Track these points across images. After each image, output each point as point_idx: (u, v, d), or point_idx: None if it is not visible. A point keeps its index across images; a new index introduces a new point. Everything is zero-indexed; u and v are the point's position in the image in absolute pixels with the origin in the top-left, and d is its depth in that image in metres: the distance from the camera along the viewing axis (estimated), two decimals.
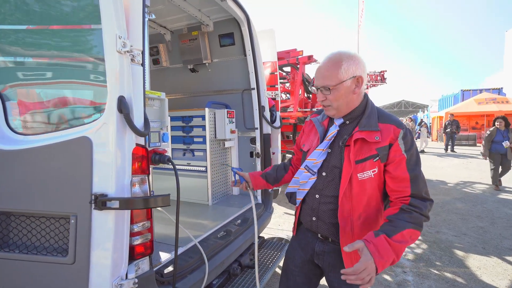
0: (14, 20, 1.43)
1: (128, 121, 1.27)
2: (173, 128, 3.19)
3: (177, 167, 3.21)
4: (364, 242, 1.06)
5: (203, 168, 3.04)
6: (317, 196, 1.33)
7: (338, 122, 1.31)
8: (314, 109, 5.38)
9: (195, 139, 3.09)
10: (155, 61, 3.62)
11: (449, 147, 13.63)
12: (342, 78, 1.19)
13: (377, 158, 1.18)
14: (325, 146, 1.30)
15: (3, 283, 1.33)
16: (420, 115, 30.51)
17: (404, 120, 14.65)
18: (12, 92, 1.43)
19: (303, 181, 1.36)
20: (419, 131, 14.50)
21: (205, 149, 3.01)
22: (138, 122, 1.36)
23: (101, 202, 1.22)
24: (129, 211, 1.32)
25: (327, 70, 1.22)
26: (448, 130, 13.34)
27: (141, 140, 1.41)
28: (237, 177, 1.77)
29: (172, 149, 3.23)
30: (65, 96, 1.40)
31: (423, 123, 14.38)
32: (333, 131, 1.30)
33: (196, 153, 3.11)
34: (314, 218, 1.35)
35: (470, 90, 21.66)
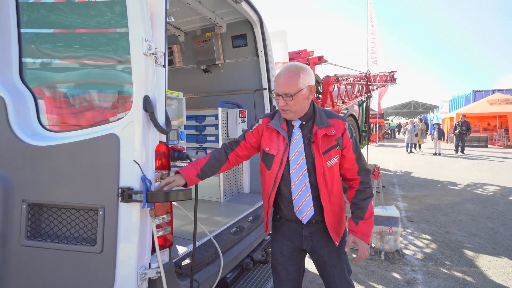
0: (46, 24, 1.52)
1: (153, 119, 1.35)
2: (186, 127, 3.28)
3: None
4: (353, 234, 1.53)
5: None
6: (289, 191, 1.55)
7: (297, 124, 1.55)
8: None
9: (208, 138, 3.18)
10: (169, 62, 3.71)
11: (459, 148, 13.44)
12: (300, 87, 1.44)
13: (338, 146, 1.51)
14: (298, 147, 1.52)
15: (36, 270, 1.42)
16: (430, 116, 30.08)
17: (415, 120, 14.41)
18: (43, 92, 1.52)
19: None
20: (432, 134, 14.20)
21: (218, 148, 3.08)
22: (161, 120, 1.44)
23: (128, 195, 1.31)
24: (153, 205, 1.41)
25: (289, 80, 1.44)
26: (457, 131, 13.14)
27: (163, 138, 1.50)
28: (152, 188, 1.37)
29: (186, 147, 3.31)
30: (94, 96, 1.49)
31: (437, 126, 14.04)
32: (297, 133, 1.54)
33: (209, 152, 3.18)
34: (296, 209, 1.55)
35: (482, 90, 21.28)
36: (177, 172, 1.56)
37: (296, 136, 1.53)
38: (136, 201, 1.31)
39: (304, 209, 1.52)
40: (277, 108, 1.62)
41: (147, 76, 1.36)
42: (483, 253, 3.39)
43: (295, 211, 1.54)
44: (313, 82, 1.51)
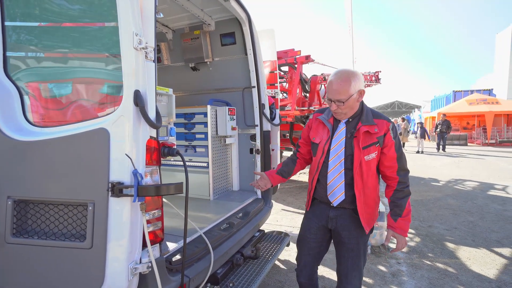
0: (32, 18, 1.49)
1: (144, 114, 1.34)
2: (175, 124, 3.26)
3: (180, 163, 3.30)
4: (392, 230, 1.70)
5: (205, 164, 3.12)
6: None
7: (343, 120, 1.71)
8: (312, 108, 5.49)
9: (197, 136, 3.17)
10: (157, 59, 3.68)
11: (441, 146, 13.90)
12: (351, 93, 1.58)
13: (378, 144, 1.64)
14: (340, 139, 1.69)
15: (23, 268, 1.39)
16: (413, 116, 30.92)
17: (398, 120, 14.82)
18: (29, 86, 1.49)
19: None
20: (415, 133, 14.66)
21: (207, 145, 3.09)
22: (151, 115, 1.44)
23: (118, 189, 1.30)
24: (144, 199, 1.40)
25: (340, 87, 1.58)
26: (438, 129, 13.60)
27: (154, 133, 1.49)
28: (257, 177, 2.06)
29: (176, 145, 3.29)
30: (83, 91, 1.47)
31: (420, 125, 14.49)
32: (342, 127, 1.71)
33: (198, 149, 3.18)
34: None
35: (461, 91, 22.10)
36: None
37: (340, 130, 1.70)
38: (126, 195, 1.31)
39: (336, 193, 1.70)
40: (312, 113, 1.86)
41: (137, 70, 1.36)
42: (463, 245, 3.54)
43: (328, 194, 1.72)
44: (363, 86, 1.63)
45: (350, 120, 1.70)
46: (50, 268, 1.38)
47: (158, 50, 3.62)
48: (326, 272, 2.94)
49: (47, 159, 1.38)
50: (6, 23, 1.46)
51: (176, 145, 3.29)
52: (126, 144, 1.33)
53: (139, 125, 1.37)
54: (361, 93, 1.63)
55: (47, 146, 1.39)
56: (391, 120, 1.70)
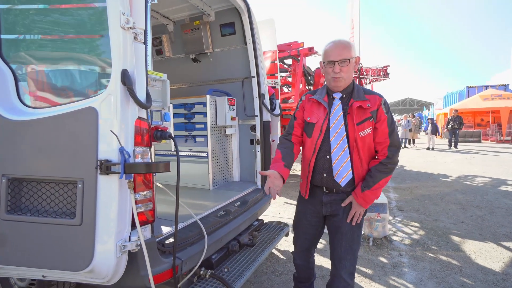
0: (24, 1, 1.52)
1: (131, 93, 1.36)
2: (175, 115, 3.28)
3: (180, 153, 3.32)
4: (354, 197, 1.66)
5: (205, 154, 3.13)
6: (327, 157, 1.68)
7: (338, 96, 1.69)
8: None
9: (197, 126, 3.19)
10: (158, 52, 3.71)
11: (452, 143, 13.56)
12: (353, 55, 1.61)
13: (372, 118, 1.62)
14: (337, 116, 1.65)
15: (17, 244, 1.43)
16: (425, 113, 30.27)
17: (408, 116, 14.51)
18: (22, 67, 1.53)
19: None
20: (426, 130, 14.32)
21: (206, 135, 3.10)
22: (141, 96, 1.45)
23: (106, 167, 1.32)
24: (132, 177, 1.42)
25: (343, 48, 1.59)
26: (450, 126, 13.26)
27: (143, 114, 1.51)
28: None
29: (175, 135, 3.32)
30: (72, 70, 1.49)
31: (431, 121, 14.13)
32: (337, 103, 1.67)
33: (197, 139, 3.20)
34: (324, 175, 1.71)
35: (475, 86, 21.47)
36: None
37: (336, 106, 1.67)
38: (114, 173, 1.33)
39: (343, 173, 1.65)
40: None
41: (125, 49, 1.37)
42: (469, 238, 3.44)
43: (334, 174, 1.66)
44: (358, 54, 1.68)
45: (344, 96, 1.69)
46: (42, 244, 1.41)
47: (159, 42, 3.65)
48: (325, 262, 2.91)
49: (39, 138, 1.42)
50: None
51: (176, 135, 3.33)
52: (114, 123, 1.34)
53: (127, 105, 1.39)
54: (357, 60, 1.67)
55: (38, 125, 1.42)
56: (382, 96, 1.67)
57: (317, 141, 1.70)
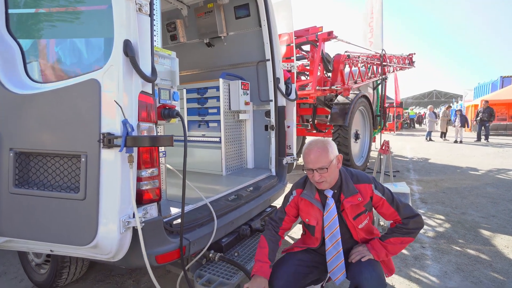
0: None
1: (134, 64, 1.31)
2: (188, 100, 3.25)
3: (193, 138, 3.28)
4: (367, 245, 1.63)
5: (217, 139, 3.08)
6: None
7: (329, 194, 1.63)
8: (334, 87, 5.17)
9: (210, 111, 3.13)
10: (173, 37, 3.68)
11: (482, 136, 12.73)
12: (331, 159, 1.55)
13: (366, 211, 1.62)
14: (332, 217, 1.61)
15: (25, 217, 1.44)
16: (453, 106, 28.72)
17: (443, 109, 13.57)
18: (29, 43, 1.52)
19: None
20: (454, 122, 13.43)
21: (219, 120, 3.04)
22: (146, 71, 1.40)
23: (108, 139, 1.28)
24: (137, 153, 1.38)
25: (319, 155, 1.54)
26: (479, 117, 12.40)
27: (148, 89, 1.45)
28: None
29: (188, 121, 3.29)
30: (78, 43, 1.47)
31: (459, 112, 13.20)
32: (331, 204, 1.62)
33: (210, 125, 3.15)
34: None
35: (510, 76, 20.01)
36: (253, 275, 1.61)
37: (330, 206, 1.62)
38: (117, 146, 1.29)
39: (337, 273, 1.60)
40: (306, 176, 1.72)
41: (128, 20, 1.32)
42: (501, 233, 3.19)
43: (329, 271, 1.63)
44: (337, 152, 1.63)
45: (335, 191, 1.63)
46: (48, 218, 1.41)
47: (174, 27, 3.62)
48: None
49: (44, 112, 1.41)
50: None
51: (189, 121, 3.30)
52: (117, 95, 1.30)
53: (130, 77, 1.34)
54: (339, 158, 1.61)
55: (43, 99, 1.41)
56: (372, 180, 1.63)
57: (321, 241, 1.68)
